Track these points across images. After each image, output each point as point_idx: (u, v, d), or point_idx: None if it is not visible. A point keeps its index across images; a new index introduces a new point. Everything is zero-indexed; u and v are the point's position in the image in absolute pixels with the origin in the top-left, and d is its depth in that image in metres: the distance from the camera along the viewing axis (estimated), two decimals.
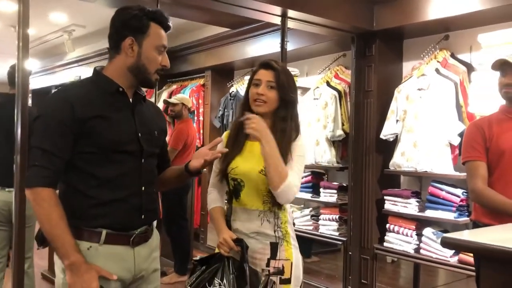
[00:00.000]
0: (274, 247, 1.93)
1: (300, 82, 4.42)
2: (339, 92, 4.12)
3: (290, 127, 1.96)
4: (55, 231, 1.52)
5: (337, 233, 4.08)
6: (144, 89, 1.79)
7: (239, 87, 5.25)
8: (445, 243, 1.51)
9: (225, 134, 2.10)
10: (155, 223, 1.80)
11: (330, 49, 4.41)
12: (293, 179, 1.87)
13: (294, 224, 2.06)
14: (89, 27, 5.85)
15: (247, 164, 1.95)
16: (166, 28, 1.70)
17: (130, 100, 1.70)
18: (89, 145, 1.59)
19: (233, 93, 5.25)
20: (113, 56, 1.68)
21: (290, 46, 3.62)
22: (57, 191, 1.60)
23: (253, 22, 4.52)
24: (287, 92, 1.95)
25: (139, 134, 1.68)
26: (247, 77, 5.06)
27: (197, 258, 1.86)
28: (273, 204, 1.93)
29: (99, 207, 1.60)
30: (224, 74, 5.54)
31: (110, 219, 1.61)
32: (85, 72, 6.67)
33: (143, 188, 1.67)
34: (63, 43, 6.18)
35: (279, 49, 4.37)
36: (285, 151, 1.91)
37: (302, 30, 3.77)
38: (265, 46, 4.59)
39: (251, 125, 1.83)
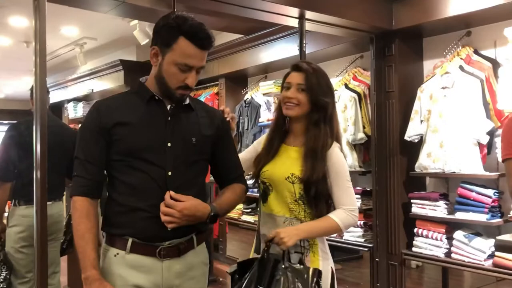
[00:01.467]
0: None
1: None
2: (358, 94, 4.02)
3: (324, 132, 1.85)
4: (80, 242, 1.53)
5: (362, 240, 3.96)
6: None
7: (254, 93, 5.18)
8: (501, 247, 1.40)
9: (264, 136, 2.04)
10: (196, 239, 1.68)
11: (346, 51, 4.33)
12: (346, 203, 1.80)
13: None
14: (100, 39, 5.82)
15: (276, 168, 1.88)
16: (202, 45, 1.56)
17: (168, 107, 1.64)
18: (115, 153, 1.59)
19: (247, 100, 5.18)
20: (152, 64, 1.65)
21: (306, 50, 3.53)
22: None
23: (267, 27, 4.46)
24: (317, 95, 1.85)
25: (168, 144, 1.61)
26: (262, 83, 5.06)
27: (234, 267, 1.75)
28: (299, 213, 1.83)
29: (126, 215, 1.59)
30: (238, 81, 5.48)
31: (133, 227, 1.58)
32: (98, 85, 6.65)
33: (169, 195, 1.59)
34: (75, 56, 6.15)
35: (292, 54, 4.36)
36: (319, 159, 1.81)
37: (319, 32, 3.69)
38: (279, 51, 4.53)
39: (282, 240, 1.69)
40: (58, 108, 7.87)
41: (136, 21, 4.88)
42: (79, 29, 5.46)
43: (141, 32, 4.97)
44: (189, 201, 1.58)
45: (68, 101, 7.70)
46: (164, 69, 1.58)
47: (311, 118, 1.87)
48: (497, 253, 3.10)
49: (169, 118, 1.63)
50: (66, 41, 5.90)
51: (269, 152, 1.92)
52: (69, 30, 5.49)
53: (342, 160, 1.87)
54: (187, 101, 1.69)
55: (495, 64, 3.36)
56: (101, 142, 1.57)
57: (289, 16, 3.22)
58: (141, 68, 6.03)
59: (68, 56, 6.53)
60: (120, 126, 1.57)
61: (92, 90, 6.78)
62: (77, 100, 7.56)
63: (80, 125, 1.69)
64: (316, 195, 1.81)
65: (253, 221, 4.86)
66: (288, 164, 1.86)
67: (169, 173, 1.60)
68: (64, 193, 3.39)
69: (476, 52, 3.47)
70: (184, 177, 1.64)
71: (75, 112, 7.56)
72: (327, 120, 1.88)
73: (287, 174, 1.83)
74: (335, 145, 1.88)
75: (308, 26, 3.38)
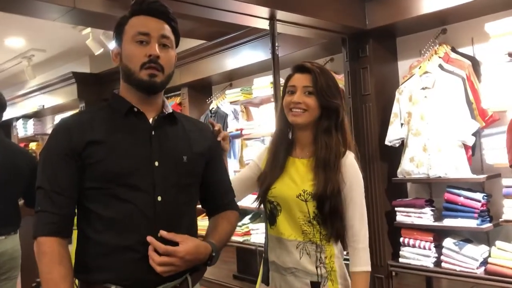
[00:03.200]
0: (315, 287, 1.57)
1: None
2: None
3: (336, 140, 1.62)
4: None
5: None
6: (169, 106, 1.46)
7: (220, 102, 4.90)
8: None
9: (264, 150, 1.78)
10: (191, 279, 1.39)
11: (316, 55, 4.11)
12: (361, 236, 1.62)
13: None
14: (50, 50, 5.41)
15: (285, 185, 1.63)
16: (151, 11, 1.36)
17: (150, 120, 1.37)
18: (90, 179, 1.28)
19: (213, 109, 4.89)
20: None
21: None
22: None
23: (231, 32, 4.22)
24: (328, 98, 1.62)
25: (155, 163, 1.32)
26: (228, 91, 4.79)
27: None
28: (314, 235, 1.58)
29: (106, 257, 1.27)
30: (202, 90, 5.18)
31: (116, 272, 1.27)
32: (49, 100, 6.20)
33: (159, 234, 1.30)
34: (23, 70, 5.69)
35: (259, 59, 4.14)
36: (333, 170, 1.58)
37: (288, 34, 3.47)
38: (245, 57, 4.29)
39: None
40: (7, 126, 7.32)
41: (89, 29, 4.52)
42: (25, 40, 5.05)
43: (95, 41, 4.61)
44: (188, 243, 1.30)
45: (17, 118, 7.21)
46: (124, 56, 1.35)
47: (321, 125, 1.64)
48: (490, 260, 2.95)
49: (153, 132, 1.36)
50: (11, 53, 5.48)
51: (275, 167, 1.67)
52: (15, 42, 5.07)
53: (358, 172, 1.65)
54: (170, 110, 1.43)
55: (474, 62, 3.23)
56: (71, 168, 1.28)
57: (259, 17, 2.97)
58: (96, 80, 5.68)
59: (15, 70, 6.08)
60: (95, 145, 1.28)
61: (43, 106, 6.33)
62: (26, 117, 7.08)
63: (42, 149, 1.35)
64: (332, 212, 1.58)
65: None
66: (298, 180, 1.62)
67: (159, 198, 1.31)
68: (21, 224, 2.93)
69: (453, 49, 3.33)
70: (175, 203, 1.35)
71: (25, 130, 7.09)
72: (339, 126, 1.65)
73: (298, 192, 1.59)
74: (349, 153, 1.66)
75: (278, 28, 3.15)
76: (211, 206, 1.53)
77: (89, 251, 1.29)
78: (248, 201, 1.96)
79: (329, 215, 1.57)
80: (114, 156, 1.28)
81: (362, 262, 1.61)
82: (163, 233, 1.29)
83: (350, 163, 1.64)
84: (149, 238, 1.27)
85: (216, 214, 1.52)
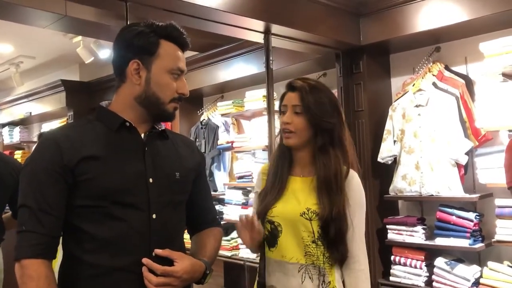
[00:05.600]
0: None
1: (277, 105, 4.09)
2: None
3: (334, 158, 1.56)
4: None
5: None
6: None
7: (211, 114, 4.85)
8: None
9: (263, 168, 1.71)
10: None
11: (309, 69, 4.09)
12: (362, 258, 1.57)
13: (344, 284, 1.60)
14: (39, 58, 5.31)
15: (288, 204, 1.56)
16: (183, 45, 1.33)
17: (142, 136, 1.32)
18: (82, 197, 1.21)
19: (204, 121, 4.84)
20: (119, 86, 1.33)
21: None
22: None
23: (224, 44, 4.18)
24: (317, 117, 1.55)
25: (150, 180, 1.27)
26: (220, 103, 4.74)
27: None
28: (318, 257, 1.52)
29: (98, 279, 1.21)
30: (192, 101, 5.12)
31: None
32: (37, 107, 6.09)
33: (154, 253, 1.25)
34: (11, 77, 5.58)
35: (251, 72, 4.10)
36: (336, 191, 1.52)
37: (282, 48, 3.44)
38: (237, 69, 4.26)
39: None
40: None
41: (79, 37, 4.45)
42: (14, 46, 4.95)
43: (86, 49, 4.54)
44: (185, 262, 1.27)
45: (3, 125, 7.05)
46: (155, 81, 1.29)
47: (316, 144, 1.58)
48: (482, 281, 2.92)
49: (146, 148, 1.31)
50: None
51: (276, 186, 1.60)
52: (3, 48, 4.97)
53: (363, 194, 1.60)
54: (162, 126, 1.40)
55: (468, 81, 3.23)
56: (60, 185, 1.21)
57: (254, 30, 2.94)
58: (85, 88, 5.60)
59: (2, 76, 5.97)
60: (89, 162, 1.22)
61: (30, 113, 6.21)
62: (13, 124, 6.94)
63: (26, 164, 1.25)
64: (337, 235, 1.51)
65: None
66: (301, 198, 1.56)
67: (154, 216, 1.27)
68: (4, 237, 2.80)
69: (447, 68, 3.33)
70: (169, 221, 1.31)
71: (11, 137, 6.94)
72: (336, 143, 1.58)
73: (302, 210, 1.53)
74: (354, 173, 1.60)
75: (273, 42, 3.12)
76: (195, 223, 1.49)
77: (79, 273, 1.23)
78: (237, 214, 1.92)
79: (334, 238, 1.52)
80: (108, 172, 1.23)
81: (365, 286, 1.56)
82: (158, 251, 1.24)
83: (356, 184, 1.58)
84: (145, 260, 1.22)
85: (199, 231, 1.48)
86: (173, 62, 1.30)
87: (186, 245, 1.42)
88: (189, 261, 1.28)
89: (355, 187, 1.58)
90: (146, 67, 1.29)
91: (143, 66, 1.29)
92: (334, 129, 1.58)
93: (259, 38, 3.06)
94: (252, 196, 4.18)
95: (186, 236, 1.48)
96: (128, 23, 2.47)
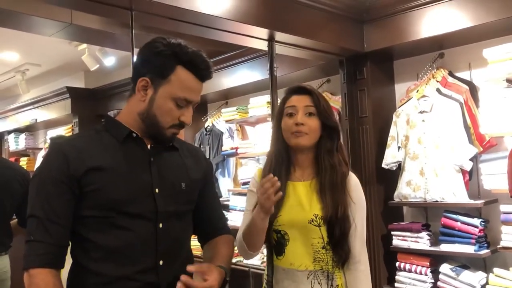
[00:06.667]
0: None
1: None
2: None
3: (338, 161, 1.60)
4: None
5: None
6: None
7: (215, 120, 4.87)
8: None
9: (259, 171, 1.70)
10: None
11: (313, 76, 4.11)
12: (363, 258, 1.58)
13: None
14: (45, 65, 5.35)
15: (293, 212, 1.56)
16: (202, 77, 1.31)
17: (148, 147, 1.33)
18: (88, 207, 1.22)
19: (208, 127, 4.86)
20: (130, 96, 1.34)
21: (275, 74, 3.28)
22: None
23: (228, 52, 4.20)
24: (329, 118, 1.60)
25: (156, 190, 1.28)
26: (224, 110, 4.76)
27: None
28: (327, 262, 1.53)
29: (103, 287, 1.21)
30: (197, 107, 4.92)
31: None
32: (42, 114, 6.13)
33: (160, 262, 1.26)
34: (16, 84, 5.63)
35: (255, 79, 4.12)
36: (340, 191, 1.55)
37: (285, 55, 3.46)
38: (241, 76, 4.28)
39: None
40: None
41: (84, 45, 4.48)
42: (20, 54, 4.99)
43: (91, 57, 4.57)
44: (214, 273, 1.27)
45: (9, 132, 7.10)
46: (158, 105, 1.27)
47: (324, 146, 1.61)
48: (488, 287, 2.91)
49: (151, 159, 1.32)
50: (5, 67, 5.41)
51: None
52: (9, 56, 5.01)
53: (362, 192, 1.64)
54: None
55: (472, 87, 3.23)
56: (67, 195, 1.22)
57: (258, 38, 2.96)
58: (90, 95, 5.64)
59: (9, 84, 6.00)
60: (95, 172, 1.23)
61: (36, 120, 6.25)
62: (18, 131, 6.98)
63: (35, 174, 1.28)
64: (342, 235, 1.54)
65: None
66: (306, 205, 1.57)
67: (160, 225, 1.28)
68: (11, 244, 2.81)
69: (451, 74, 3.33)
70: (175, 231, 1.32)
71: (17, 144, 6.98)
72: (340, 147, 1.64)
73: (309, 217, 1.54)
74: (352, 174, 1.64)
75: (276, 49, 3.14)
76: (205, 231, 1.49)
77: (85, 282, 1.24)
78: (240, 221, 1.91)
79: (339, 238, 1.54)
80: (115, 183, 1.24)
81: (366, 286, 1.58)
82: (190, 268, 1.25)
83: (355, 183, 1.62)
84: (184, 277, 1.22)
85: (210, 240, 1.48)
86: (181, 91, 1.28)
87: (195, 252, 1.42)
88: (217, 271, 1.29)
89: (355, 187, 1.61)
90: (154, 87, 1.28)
91: (152, 85, 1.28)
92: (339, 132, 1.64)
93: (263, 45, 3.08)
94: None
95: (196, 243, 1.49)
96: (133, 31, 2.50)
